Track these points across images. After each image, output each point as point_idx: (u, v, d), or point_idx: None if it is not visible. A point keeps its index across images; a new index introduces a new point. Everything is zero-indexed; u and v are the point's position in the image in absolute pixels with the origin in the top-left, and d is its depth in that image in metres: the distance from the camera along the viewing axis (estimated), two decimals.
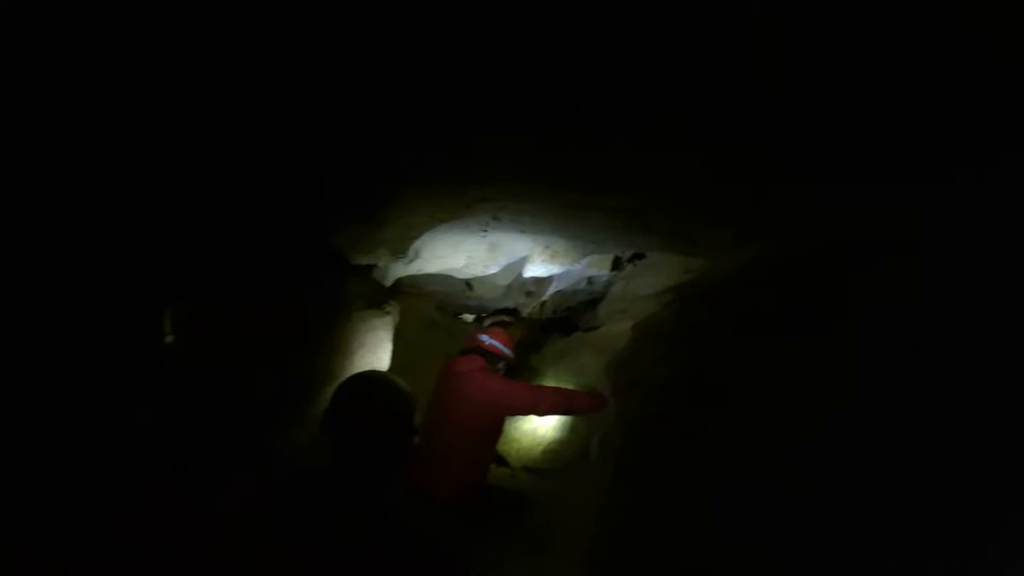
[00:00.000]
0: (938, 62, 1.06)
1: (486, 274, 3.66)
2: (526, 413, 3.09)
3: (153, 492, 1.77)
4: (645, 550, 1.87)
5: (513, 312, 4.47)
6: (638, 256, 3.80)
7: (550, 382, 4.23)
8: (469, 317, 4.83)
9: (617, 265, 3.93)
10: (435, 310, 4.58)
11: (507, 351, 3.28)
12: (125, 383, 1.65)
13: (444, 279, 3.97)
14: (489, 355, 3.17)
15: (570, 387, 3.71)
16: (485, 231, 2.99)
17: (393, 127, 1.67)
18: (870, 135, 1.32)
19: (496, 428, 3.06)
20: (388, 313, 2.92)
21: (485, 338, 3.22)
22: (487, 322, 3.72)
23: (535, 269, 3.64)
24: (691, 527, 1.71)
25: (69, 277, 1.53)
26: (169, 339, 1.77)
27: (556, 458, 3.98)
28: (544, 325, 4.72)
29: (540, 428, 4.14)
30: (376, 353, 2.93)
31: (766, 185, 1.67)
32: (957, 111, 1.17)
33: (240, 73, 1.39)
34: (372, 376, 1.56)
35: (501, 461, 3.86)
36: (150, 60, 1.31)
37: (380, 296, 2.95)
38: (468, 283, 4.16)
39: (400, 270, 3.28)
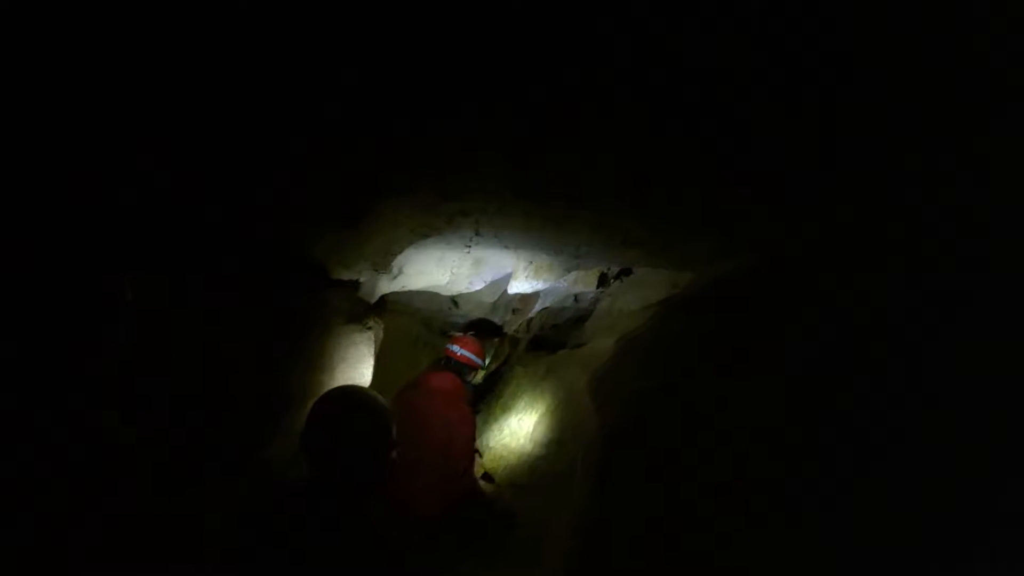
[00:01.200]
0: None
1: (471, 291, 3.66)
2: (446, 461, 3.04)
3: (122, 508, 1.74)
4: (622, 562, 1.85)
5: (499, 329, 4.46)
6: (625, 272, 3.81)
7: (537, 398, 4.23)
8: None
9: (603, 282, 3.94)
10: (421, 328, 4.57)
11: (479, 361, 3.27)
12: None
13: (430, 296, 3.97)
14: (462, 368, 3.16)
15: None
16: (469, 246, 3.00)
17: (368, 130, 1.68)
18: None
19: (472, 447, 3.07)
20: (370, 328, 2.91)
21: (456, 348, 3.20)
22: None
23: (519, 285, 3.64)
24: (667, 538, 1.70)
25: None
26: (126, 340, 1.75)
27: (542, 474, 3.94)
28: (531, 342, 4.71)
29: (527, 446, 4.11)
30: (358, 369, 2.91)
31: (740, 195, 1.69)
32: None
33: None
34: (350, 391, 1.56)
35: (487, 477, 3.83)
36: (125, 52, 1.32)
37: (362, 311, 2.95)
38: (454, 300, 4.16)
39: (384, 286, 3.28)
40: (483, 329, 3.87)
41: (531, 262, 3.33)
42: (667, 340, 2.38)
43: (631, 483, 2.03)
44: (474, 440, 3.07)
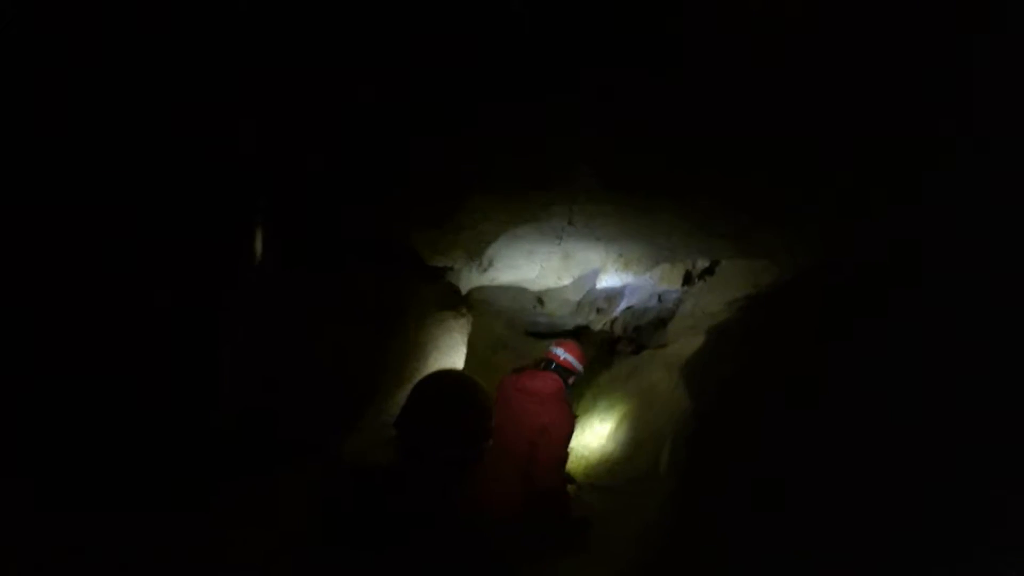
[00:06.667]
0: None
1: (558, 286, 3.71)
2: (530, 462, 3.06)
3: (217, 493, 1.83)
4: (707, 558, 1.83)
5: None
6: (708, 271, 3.78)
7: (619, 400, 4.22)
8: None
9: (687, 280, 3.91)
10: (504, 328, 4.62)
11: (579, 366, 3.29)
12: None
13: (515, 293, 4.04)
14: (563, 371, 3.20)
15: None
16: (560, 238, 3.04)
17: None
18: None
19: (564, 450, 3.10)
20: (464, 315, 2.98)
21: (560, 352, 3.24)
22: None
23: (609, 279, 3.65)
24: (760, 520, 1.68)
25: None
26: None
27: (622, 475, 3.92)
28: (614, 343, 4.71)
29: (608, 445, 4.10)
30: (451, 356, 2.96)
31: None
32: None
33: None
34: (451, 375, 1.52)
35: (567, 478, 3.84)
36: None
37: (455, 298, 3.02)
38: (539, 298, 4.22)
39: (474, 279, 3.36)
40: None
41: (621, 254, 3.34)
42: (754, 331, 2.37)
43: (717, 473, 2.02)
44: (568, 443, 3.08)
